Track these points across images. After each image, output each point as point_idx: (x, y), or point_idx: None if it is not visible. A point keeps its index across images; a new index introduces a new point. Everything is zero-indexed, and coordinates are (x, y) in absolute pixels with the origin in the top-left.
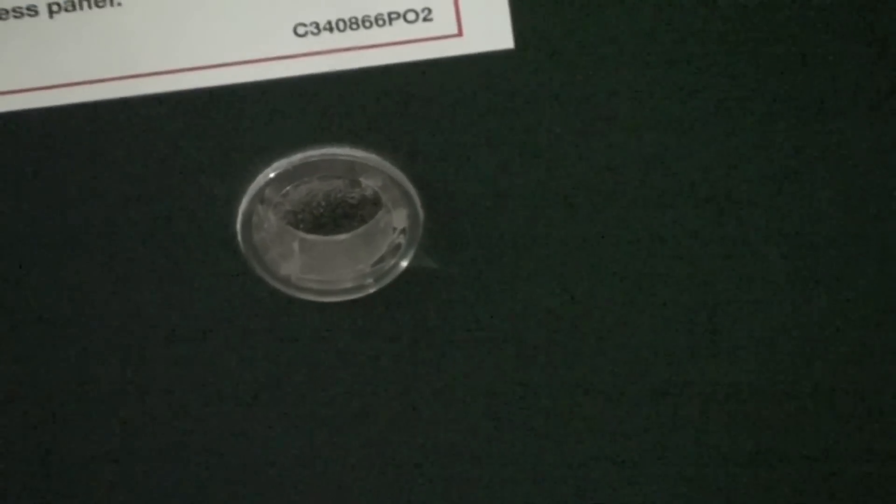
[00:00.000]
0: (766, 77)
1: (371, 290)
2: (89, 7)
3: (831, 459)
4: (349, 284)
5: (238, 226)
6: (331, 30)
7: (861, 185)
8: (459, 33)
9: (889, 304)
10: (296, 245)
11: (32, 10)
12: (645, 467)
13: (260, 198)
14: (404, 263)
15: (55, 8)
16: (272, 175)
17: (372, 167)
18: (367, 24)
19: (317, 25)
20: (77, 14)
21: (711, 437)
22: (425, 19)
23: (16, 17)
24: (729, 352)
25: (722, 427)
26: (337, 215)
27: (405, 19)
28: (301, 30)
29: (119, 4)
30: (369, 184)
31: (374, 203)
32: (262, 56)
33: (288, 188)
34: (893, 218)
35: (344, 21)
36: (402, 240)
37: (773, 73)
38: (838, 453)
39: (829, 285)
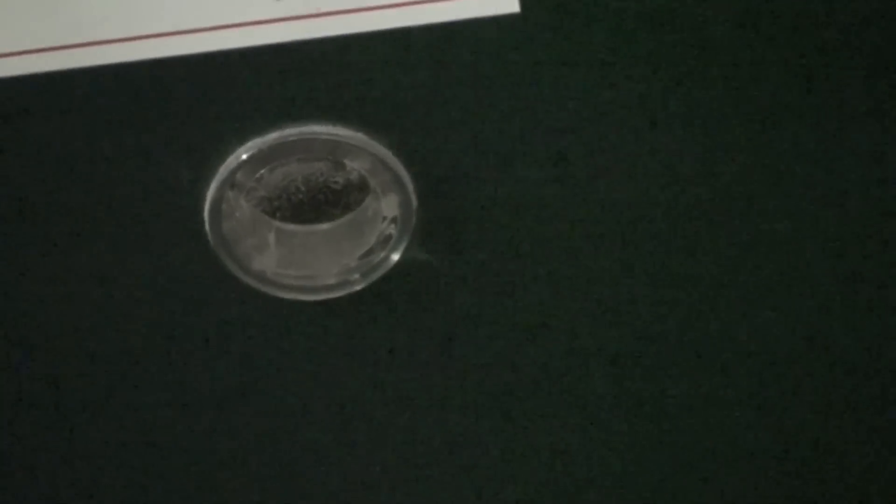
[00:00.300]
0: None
1: (357, 287)
2: None
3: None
4: (332, 280)
5: (206, 214)
6: None
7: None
8: None
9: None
10: (271, 236)
11: None
12: (640, 463)
13: (230, 182)
14: (395, 256)
15: None
16: (244, 157)
17: (358, 148)
18: None
19: None
20: None
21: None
22: None
23: None
24: (722, 355)
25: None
26: (318, 202)
27: None
28: None
29: None
30: (355, 166)
31: (361, 188)
32: (234, 21)
33: (262, 171)
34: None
35: None
36: (392, 230)
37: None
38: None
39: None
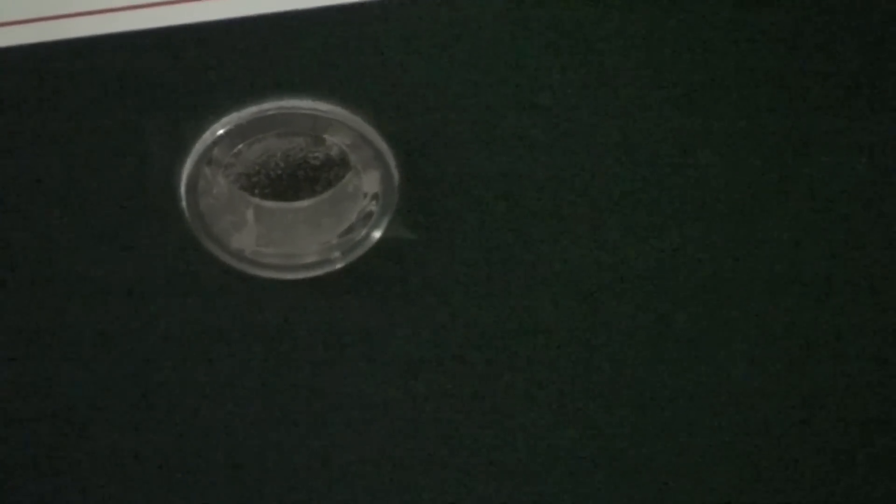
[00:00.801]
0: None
1: (338, 265)
2: None
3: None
4: (313, 258)
5: (182, 191)
6: None
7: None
8: None
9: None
10: (250, 213)
11: None
12: (626, 448)
13: (207, 158)
14: (377, 234)
15: None
16: (221, 132)
17: (338, 122)
18: None
19: None
20: None
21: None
22: None
23: None
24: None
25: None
26: (298, 178)
27: None
28: None
29: None
30: (335, 141)
31: (341, 164)
32: None
33: (240, 147)
34: None
35: None
36: (373, 207)
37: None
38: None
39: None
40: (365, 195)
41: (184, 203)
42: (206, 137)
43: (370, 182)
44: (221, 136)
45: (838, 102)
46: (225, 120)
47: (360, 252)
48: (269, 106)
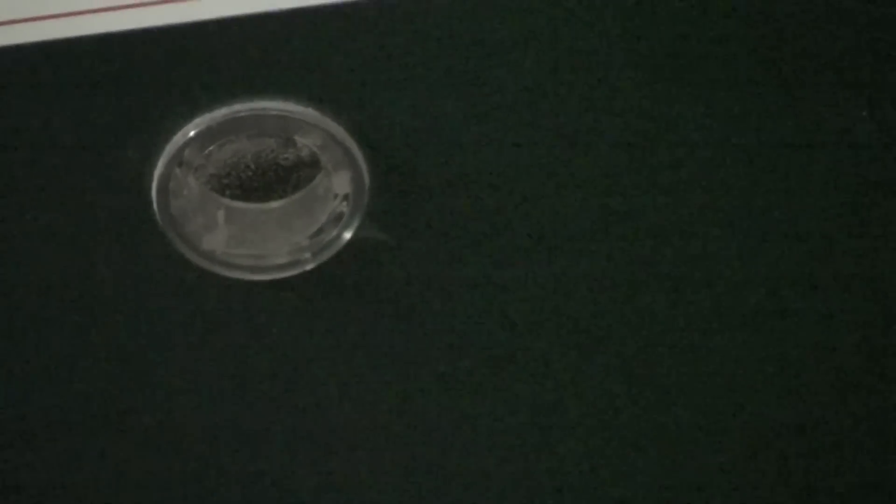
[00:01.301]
0: None
1: (309, 266)
2: None
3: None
4: (283, 259)
5: (153, 193)
6: None
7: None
8: None
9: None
10: (221, 214)
11: None
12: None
13: (178, 160)
14: (347, 235)
15: None
16: (192, 133)
17: (308, 124)
18: None
19: None
20: None
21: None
22: None
23: None
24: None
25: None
26: (268, 179)
27: None
28: None
29: None
30: (305, 143)
31: (312, 165)
32: None
33: (211, 148)
34: None
35: None
36: (344, 207)
37: None
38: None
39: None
40: (335, 196)
41: (155, 204)
42: (178, 139)
43: (341, 183)
44: (192, 137)
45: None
46: (196, 121)
47: (330, 253)
48: (240, 107)
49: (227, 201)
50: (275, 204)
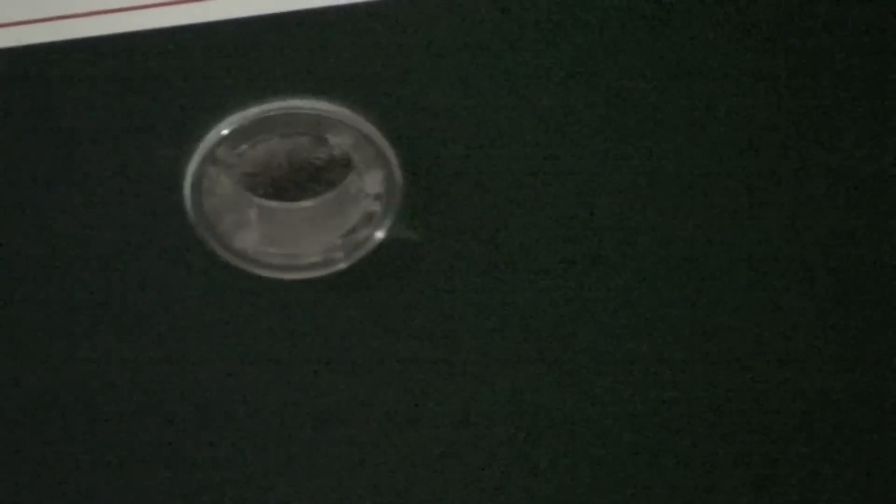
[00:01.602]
0: None
1: (341, 266)
2: None
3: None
4: (315, 259)
5: (186, 191)
6: None
7: None
8: None
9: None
10: (253, 213)
11: None
12: (631, 450)
13: (212, 158)
14: (380, 234)
15: None
16: (225, 132)
17: (341, 123)
18: None
19: None
20: None
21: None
22: None
23: None
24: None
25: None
26: (301, 178)
27: None
28: None
29: None
30: (338, 142)
31: (344, 164)
32: None
33: (244, 147)
34: None
35: None
36: (376, 207)
37: None
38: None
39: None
40: (368, 196)
41: (188, 202)
42: (211, 137)
43: (373, 183)
44: (226, 136)
45: (837, 98)
46: (229, 120)
47: (362, 253)
48: (273, 106)
49: (259, 200)
50: (307, 203)
